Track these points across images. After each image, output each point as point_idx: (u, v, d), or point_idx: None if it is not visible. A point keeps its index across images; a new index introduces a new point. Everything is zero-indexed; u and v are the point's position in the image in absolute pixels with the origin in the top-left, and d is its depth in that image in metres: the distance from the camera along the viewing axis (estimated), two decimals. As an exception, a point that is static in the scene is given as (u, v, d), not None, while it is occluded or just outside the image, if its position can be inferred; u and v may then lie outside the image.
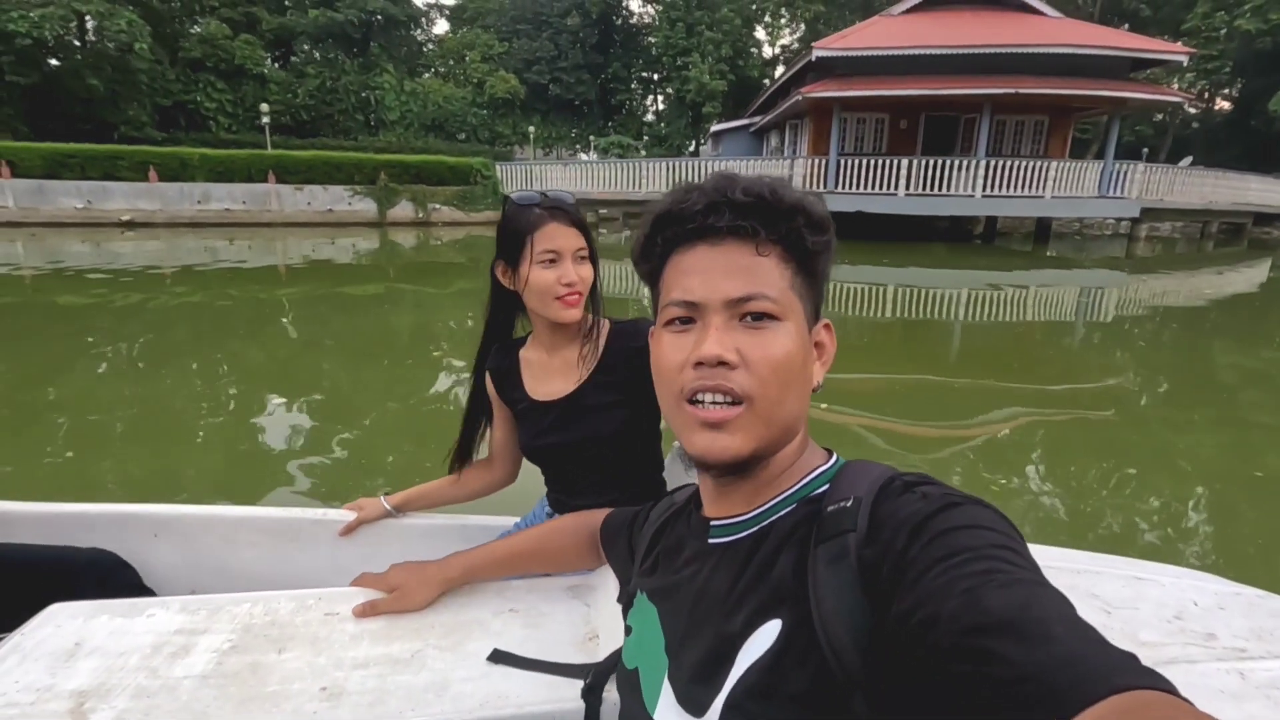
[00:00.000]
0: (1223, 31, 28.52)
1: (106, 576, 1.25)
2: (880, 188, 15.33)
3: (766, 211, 0.55)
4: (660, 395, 0.61)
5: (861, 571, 0.47)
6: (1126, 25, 33.23)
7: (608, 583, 0.96)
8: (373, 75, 32.35)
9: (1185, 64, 20.34)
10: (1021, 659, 0.35)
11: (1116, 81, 15.47)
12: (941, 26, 16.08)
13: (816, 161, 16.33)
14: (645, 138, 37.82)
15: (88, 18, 23.19)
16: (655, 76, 38.81)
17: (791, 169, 16.47)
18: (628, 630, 0.70)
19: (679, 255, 0.59)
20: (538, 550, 0.98)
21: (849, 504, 0.51)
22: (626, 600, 0.74)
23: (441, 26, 40.78)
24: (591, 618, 0.96)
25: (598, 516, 0.95)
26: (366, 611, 0.95)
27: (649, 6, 37.78)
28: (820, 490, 0.57)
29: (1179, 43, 28.63)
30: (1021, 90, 14.28)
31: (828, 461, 0.61)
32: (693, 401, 0.56)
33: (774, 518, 0.57)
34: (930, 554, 0.43)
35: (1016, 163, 15.10)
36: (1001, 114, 18.05)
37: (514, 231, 1.12)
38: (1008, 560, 0.42)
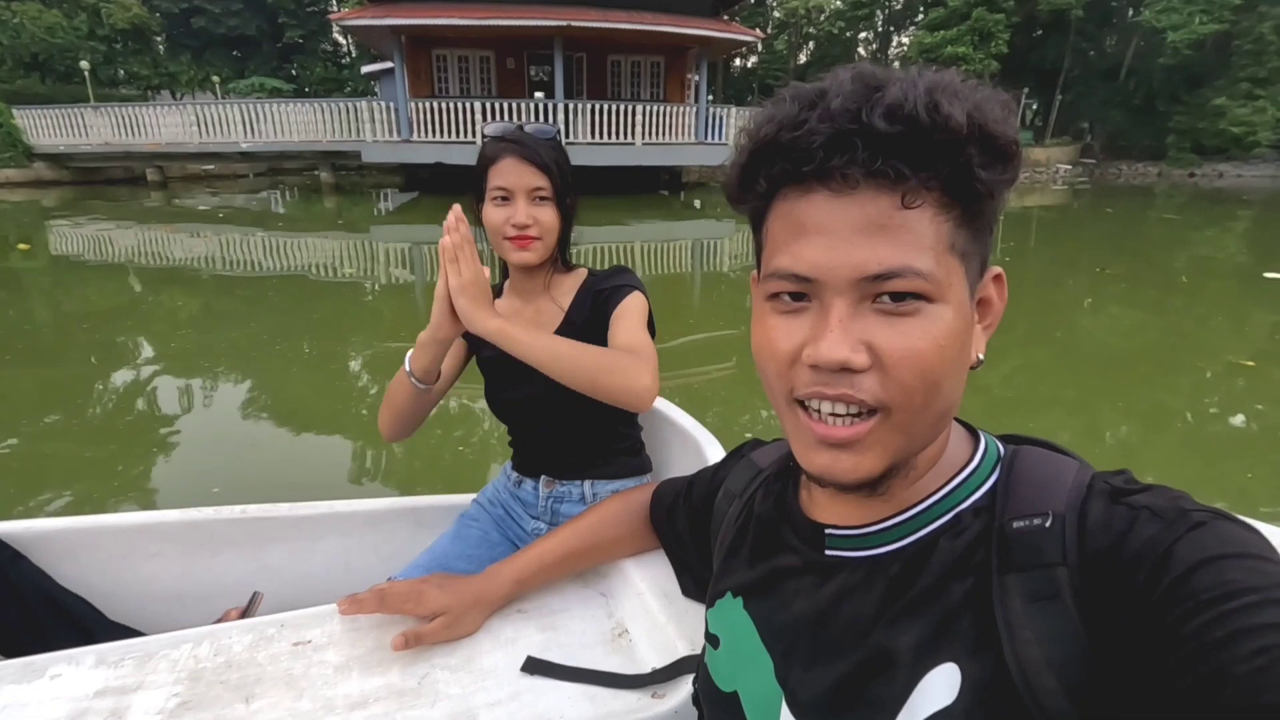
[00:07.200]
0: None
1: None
2: (460, 135, 13.75)
3: (921, 144, 0.37)
4: (766, 387, 0.46)
5: (1082, 614, 0.37)
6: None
7: (621, 567, 0.88)
8: (-63, -2, 25.09)
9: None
10: None
11: (695, 19, 15.00)
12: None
13: (385, 105, 14.39)
14: (342, 82, 33.56)
15: None
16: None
17: (372, 117, 14.38)
18: (713, 640, 0.58)
19: (789, 200, 0.41)
20: (592, 544, 0.86)
21: (1046, 524, 0.40)
22: (709, 599, 0.61)
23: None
24: (614, 610, 0.87)
25: (643, 493, 0.87)
26: (410, 643, 0.77)
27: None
28: (981, 491, 0.45)
29: None
30: (575, 23, 13.20)
31: (977, 449, 0.47)
32: (807, 407, 0.42)
33: (924, 531, 0.45)
34: (1191, 593, 0.34)
35: (600, 105, 14.13)
36: (616, 54, 17.19)
37: (479, 167, 1.08)
38: None
